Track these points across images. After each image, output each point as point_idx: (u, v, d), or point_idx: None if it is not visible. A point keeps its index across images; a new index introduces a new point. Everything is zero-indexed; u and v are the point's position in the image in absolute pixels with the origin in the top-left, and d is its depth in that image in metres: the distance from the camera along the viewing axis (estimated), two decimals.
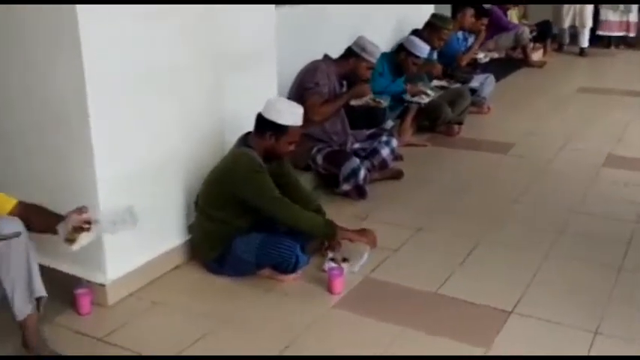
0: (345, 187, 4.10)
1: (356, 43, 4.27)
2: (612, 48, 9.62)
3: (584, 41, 9.22)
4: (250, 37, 3.57)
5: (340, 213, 3.80)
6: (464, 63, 6.22)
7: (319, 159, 4.17)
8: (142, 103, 2.96)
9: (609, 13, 9.47)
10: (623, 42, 9.69)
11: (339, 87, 4.29)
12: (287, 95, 4.27)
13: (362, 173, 4.06)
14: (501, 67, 8.12)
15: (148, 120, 3.00)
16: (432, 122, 5.55)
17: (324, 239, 3.19)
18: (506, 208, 4.03)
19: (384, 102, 4.46)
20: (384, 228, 3.68)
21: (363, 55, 4.23)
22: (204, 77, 3.30)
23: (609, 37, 9.60)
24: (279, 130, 3.08)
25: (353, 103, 4.26)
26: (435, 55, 5.76)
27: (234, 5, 3.40)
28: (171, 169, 3.18)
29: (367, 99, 4.31)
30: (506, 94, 7.00)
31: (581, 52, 9.18)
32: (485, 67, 6.74)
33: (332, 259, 3.18)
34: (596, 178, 4.54)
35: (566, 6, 9.14)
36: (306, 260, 3.10)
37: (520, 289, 3.07)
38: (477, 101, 6.23)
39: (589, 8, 9.12)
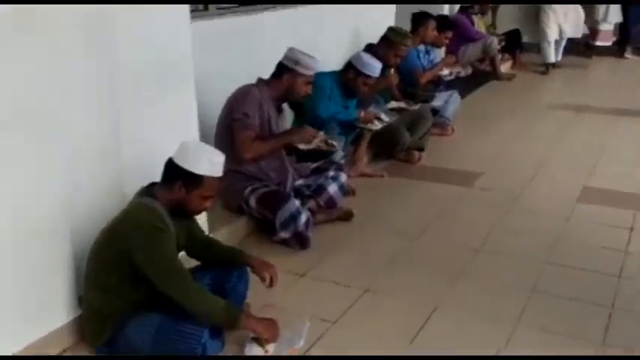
0: (283, 234, 3.50)
1: (286, 56, 3.67)
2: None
3: (559, 54, 8.73)
4: (159, 54, 2.93)
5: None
6: (424, 80, 5.64)
7: (252, 201, 3.57)
8: (6, 150, 2.32)
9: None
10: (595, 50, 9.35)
11: (275, 113, 3.69)
12: (215, 128, 3.68)
13: (302, 218, 3.47)
14: (468, 81, 7.63)
15: (14, 170, 2.36)
16: (390, 149, 4.99)
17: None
18: (470, 259, 3.46)
19: (339, 143, 3.85)
20: (325, 288, 3.15)
21: (298, 68, 3.62)
22: (95, 110, 2.67)
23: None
24: (192, 180, 2.47)
25: (301, 147, 3.64)
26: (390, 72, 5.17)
27: (134, 9, 2.75)
28: (53, 227, 2.54)
29: (317, 141, 3.69)
30: (473, 112, 6.48)
31: (553, 65, 8.61)
32: (450, 83, 6.21)
33: (254, 339, 2.58)
34: (571, 217, 4.01)
35: (550, 14, 8.38)
36: (219, 347, 2.49)
37: None
38: (439, 122, 5.70)
39: (581, 15, 8.54)
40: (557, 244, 3.64)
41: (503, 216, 4.01)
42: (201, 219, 3.32)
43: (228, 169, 3.59)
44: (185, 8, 3.06)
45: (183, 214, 2.56)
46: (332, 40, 5.27)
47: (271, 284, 2.73)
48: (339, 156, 4.29)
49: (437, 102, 5.71)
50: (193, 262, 2.80)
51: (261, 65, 3.82)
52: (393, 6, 6.52)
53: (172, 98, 3.05)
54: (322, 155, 3.84)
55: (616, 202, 4.23)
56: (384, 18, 6.07)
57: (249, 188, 3.59)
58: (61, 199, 2.54)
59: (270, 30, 4.62)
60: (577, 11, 8.51)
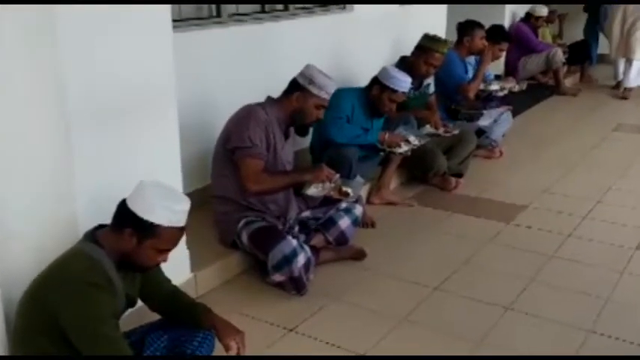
0: (277, 277, 3.03)
1: (302, 73, 3.22)
2: None
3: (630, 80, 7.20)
4: (130, 75, 2.52)
5: (259, 319, 2.78)
6: (472, 94, 5.02)
7: (244, 237, 3.12)
8: None
9: None
10: None
11: (281, 139, 3.22)
12: (214, 151, 3.25)
13: (300, 260, 2.98)
14: (527, 95, 6.93)
15: None
16: (423, 174, 4.44)
17: None
18: (496, 321, 2.89)
19: (354, 191, 3.32)
20: (316, 349, 2.67)
21: (311, 88, 3.16)
22: (46, 139, 2.27)
23: None
24: (145, 229, 2.03)
25: (309, 192, 3.14)
26: (431, 87, 4.62)
27: (93, 16, 2.34)
28: None
29: (330, 187, 3.17)
30: (527, 131, 5.84)
31: (624, 91, 7.24)
32: (504, 97, 5.57)
33: None
34: (627, 269, 3.37)
35: (615, 25, 7.13)
36: None
37: None
38: (485, 144, 5.09)
39: None
40: (607, 306, 3.02)
41: (543, 265, 3.41)
42: (183, 256, 2.91)
43: (224, 197, 3.24)
44: (165, 14, 2.63)
45: (135, 267, 2.13)
46: (368, 53, 4.78)
47: (237, 354, 2.27)
48: (358, 184, 3.81)
49: (484, 121, 5.11)
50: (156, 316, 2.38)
51: (279, 77, 3.37)
52: (444, 12, 5.96)
53: (147, 128, 2.63)
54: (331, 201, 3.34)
55: None
56: (434, 26, 5.52)
57: (243, 221, 3.14)
58: None
59: (290, 38, 4.19)
60: None
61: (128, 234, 2.04)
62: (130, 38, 2.49)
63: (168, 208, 2.04)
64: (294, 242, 3.01)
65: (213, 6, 3.90)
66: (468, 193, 4.40)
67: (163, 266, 2.28)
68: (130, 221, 2.04)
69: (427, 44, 4.30)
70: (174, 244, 2.11)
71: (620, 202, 4.30)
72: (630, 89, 7.16)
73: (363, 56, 4.76)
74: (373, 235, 3.71)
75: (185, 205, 2.08)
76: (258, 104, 3.22)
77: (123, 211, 2.07)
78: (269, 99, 3.27)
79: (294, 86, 3.21)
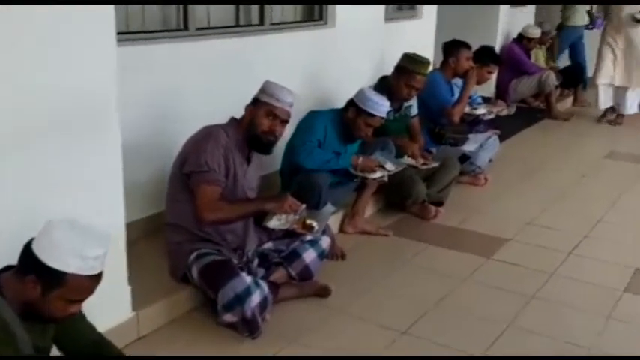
0: (228, 317, 2.76)
1: (261, 89, 2.98)
2: None
3: (627, 107, 6.85)
4: (63, 91, 2.27)
5: None
6: (456, 118, 4.74)
7: (195, 271, 2.85)
8: None
9: None
10: None
11: (242, 164, 2.97)
12: (170, 175, 3.00)
13: (253, 299, 2.71)
14: (517, 119, 6.73)
15: None
16: (401, 200, 4.19)
17: None
18: None
19: (320, 224, 3.07)
20: None
21: (260, 96, 2.94)
22: None
23: None
24: (50, 277, 1.77)
25: (270, 224, 2.89)
26: (413, 109, 4.36)
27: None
28: None
29: (294, 218, 2.92)
30: (515, 157, 5.60)
31: (617, 117, 6.94)
32: (493, 121, 5.33)
33: None
34: (613, 313, 3.12)
35: (605, 49, 6.70)
36: None
37: None
38: (469, 171, 4.85)
39: None
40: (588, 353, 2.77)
41: (523, 307, 3.15)
42: (123, 293, 2.65)
43: (178, 224, 2.98)
44: (106, 22, 2.37)
45: (39, 318, 1.86)
46: (348, 71, 4.54)
47: None
48: (328, 212, 3.56)
49: (469, 146, 4.88)
50: None
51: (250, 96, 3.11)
52: (432, 29, 5.75)
53: (81, 150, 2.36)
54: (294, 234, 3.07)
55: None
56: (422, 45, 5.30)
57: (194, 253, 2.87)
58: None
59: (264, 54, 3.95)
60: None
61: (31, 281, 1.77)
62: (64, 48, 2.23)
63: (78, 253, 1.77)
64: (248, 279, 2.75)
65: (181, 18, 3.66)
66: (448, 223, 4.14)
67: (100, 304, 2.03)
68: (33, 267, 1.77)
69: (407, 65, 4.04)
70: (87, 294, 1.84)
71: (609, 237, 4.05)
72: (623, 115, 6.92)
73: (342, 75, 4.51)
74: (341, 269, 3.45)
75: (99, 249, 1.81)
76: (220, 126, 2.98)
77: (27, 255, 1.80)
78: (232, 120, 3.03)
79: (254, 102, 2.98)
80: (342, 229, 3.91)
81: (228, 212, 2.87)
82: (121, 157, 2.53)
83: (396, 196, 4.17)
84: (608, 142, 6.37)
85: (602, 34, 6.82)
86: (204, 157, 2.82)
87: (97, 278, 1.85)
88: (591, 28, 8.06)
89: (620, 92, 6.81)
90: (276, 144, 3.01)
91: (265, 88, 2.94)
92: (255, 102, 2.95)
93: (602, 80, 6.74)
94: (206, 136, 2.91)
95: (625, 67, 6.65)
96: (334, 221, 3.85)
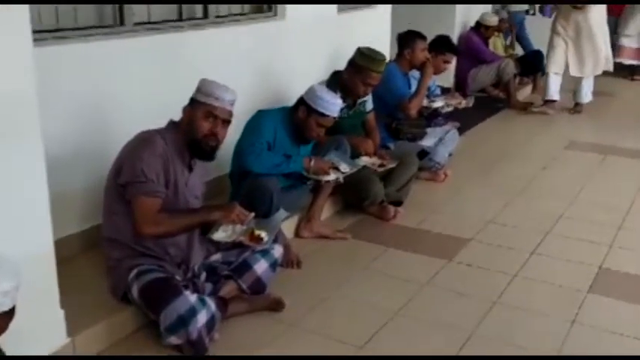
0: (172, 340, 2.55)
1: (198, 88, 2.74)
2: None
3: (582, 96, 6.86)
4: None
5: None
6: (413, 111, 4.57)
7: (135, 291, 2.63)
8: None
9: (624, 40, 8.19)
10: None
11: (183, 172, 2.75)
12: (105, 185, 2.76)
13: (199, 320, 2.51)
14: (476, 110, 6.58)
15: None
16: (358, 201, 4.02)
17: None
18: None
19: (270, 233, 2.85)
20: None
21: (197, 96, 2.71)
22: None
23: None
24: None
25: (215, 237, 2.68)
26: (368, 104, 4.17)
27: None
28: None
29: (242, 229, 2.72)
30: (475, 150, 5.49)
31: (576, 106, 6.90)
32: (452, 113, 5.19)
33: None
34: (578, 318, 3.00)
35: (555, 37, 6.60)
36: None
37: None
38: (429, 167, 4.70)
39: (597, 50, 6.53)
40: None
41: (486, 313, 3.01)
42: (55, 318, 2.42)
43: (115, 239, 2.75)
44: (22, 19, 2.13)
45: None
46: (300, 66, 4.33)
47: None
48: (279, 217, 3.36)
49: (427, 141, 4.74)
50: None
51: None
52: (388, 20, 5.57)
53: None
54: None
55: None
56: (377, 36, 5.12)
57: (135, 270, 2.65)
58: None
59: (209, 49, 3.72)
60: (593, 45, 6.53)
61: None
62: None
63: None
64: (193, 298, 2.54)
65: (117, 13, 3.40)
66: (408, 224, 3.99)
67: (31, 331, 1.90)
68: None
69: (362, 63, 3.81)
70: None
71: (571, 234, 3.94)
72: (582, 104, 6.88)
73: (293, 70, 4.31)
74: (296, 278, 3.26)
75: (8, 283, 1.60)
76: (157, 130, 2.74)
77: None
78: (170, 124, 2.79)
79: (190, 102, 2.76)
80: (297, 234, 3.73)
81: (170, 225, 2.65)
82: (45, 166, 2.29)
83: (354, 197, 4.00)
84: (568, 131, 6.29)
85: (552, 23, 6.74)
86: (140, 165, 2.59)
87: (8, 315, 1.63)
88: (533, 14, 8.11)
89: (575, 80, 6.76)
90: (219, 148, 2.78)
91: (202, 87, 2.71)
92: (193, 102, 2.71)
93: (553, 69, 6.66)
94: (142, 142, 2.67)
95: (578, 58, 6.58)
96: (289, 225, 3.67)
